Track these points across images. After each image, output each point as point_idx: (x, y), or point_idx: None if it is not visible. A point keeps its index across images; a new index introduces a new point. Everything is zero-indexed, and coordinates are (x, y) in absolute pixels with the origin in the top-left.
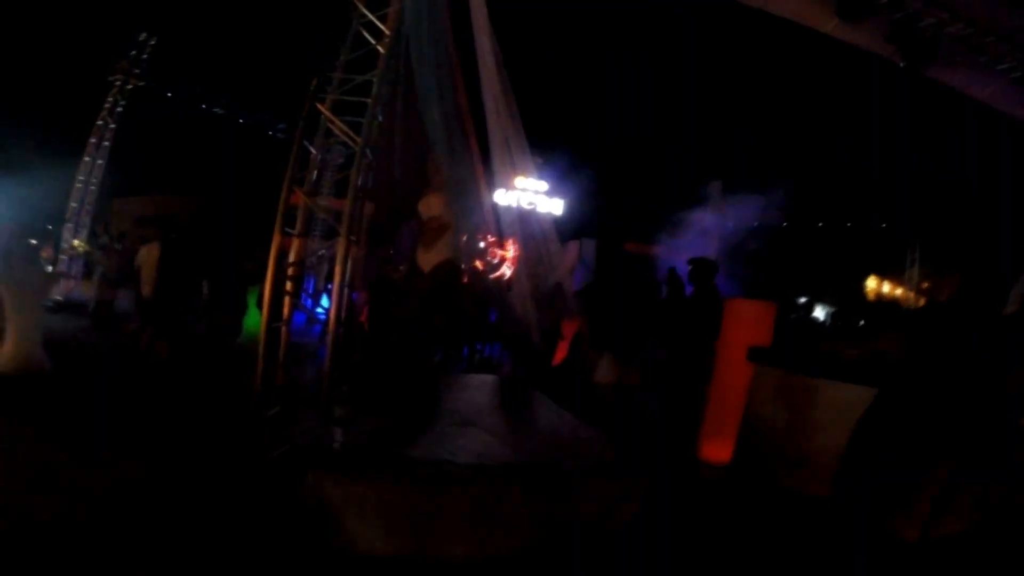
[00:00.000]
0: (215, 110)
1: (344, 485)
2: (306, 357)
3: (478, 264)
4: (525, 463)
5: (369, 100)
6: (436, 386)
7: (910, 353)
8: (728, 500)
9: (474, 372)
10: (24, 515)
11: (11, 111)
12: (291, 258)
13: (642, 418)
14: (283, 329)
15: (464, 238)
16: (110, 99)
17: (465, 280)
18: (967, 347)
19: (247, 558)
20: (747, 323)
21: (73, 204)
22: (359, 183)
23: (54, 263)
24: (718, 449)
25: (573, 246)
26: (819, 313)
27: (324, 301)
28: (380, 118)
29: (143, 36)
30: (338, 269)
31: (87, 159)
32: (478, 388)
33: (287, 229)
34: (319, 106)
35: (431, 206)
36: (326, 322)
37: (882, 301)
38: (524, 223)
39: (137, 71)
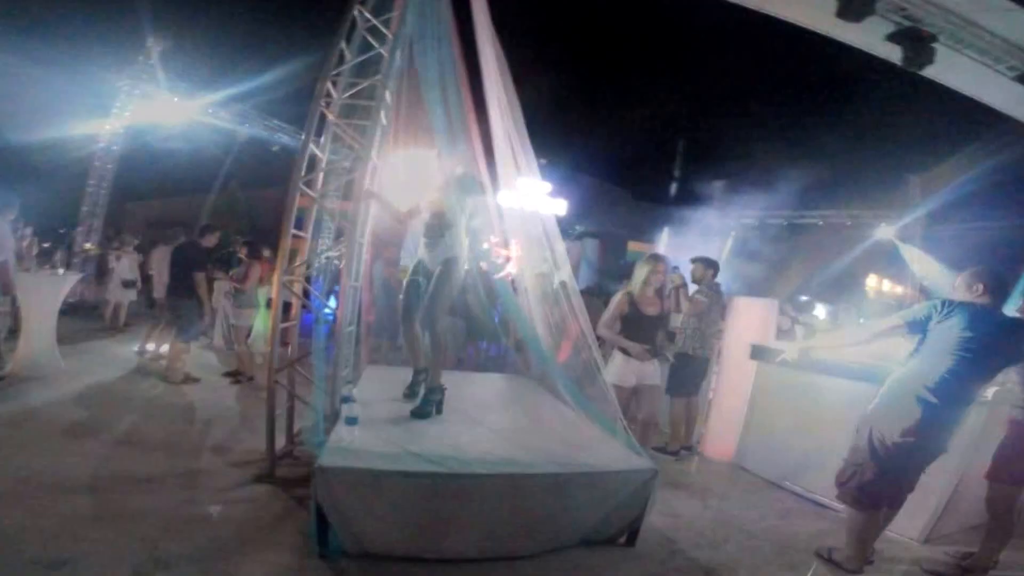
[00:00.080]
0: (223, 113)
1: (352, 483)
2: (314, 356)
3: (482, 265)
4: (533, 462)
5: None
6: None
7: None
8: (731, 497)
9: (481, 371)
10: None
11: (23, 116)
12: (300, 260)
13: (651, 418)
14: (292, 328)
15: (467, 241)
16: (119, 104)
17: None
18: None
19: (256, 556)
20: (750, 321)
21: (85, 208)
22: (365, 185)
23: (67, 266)
24: (720, 446)
25: (576, 246)
26: (820, 311)
27: (331, 301)
28: (385, 121)
29: (150, 41)
30: (346, 269)
31: (97, 163)
32: (485, 386)
33: (296, 231)
34: (325, 110)
35: (434, 204)
36: (333, 322)
37: (883, 299)
38: (528, 224)
39: (146, 76)
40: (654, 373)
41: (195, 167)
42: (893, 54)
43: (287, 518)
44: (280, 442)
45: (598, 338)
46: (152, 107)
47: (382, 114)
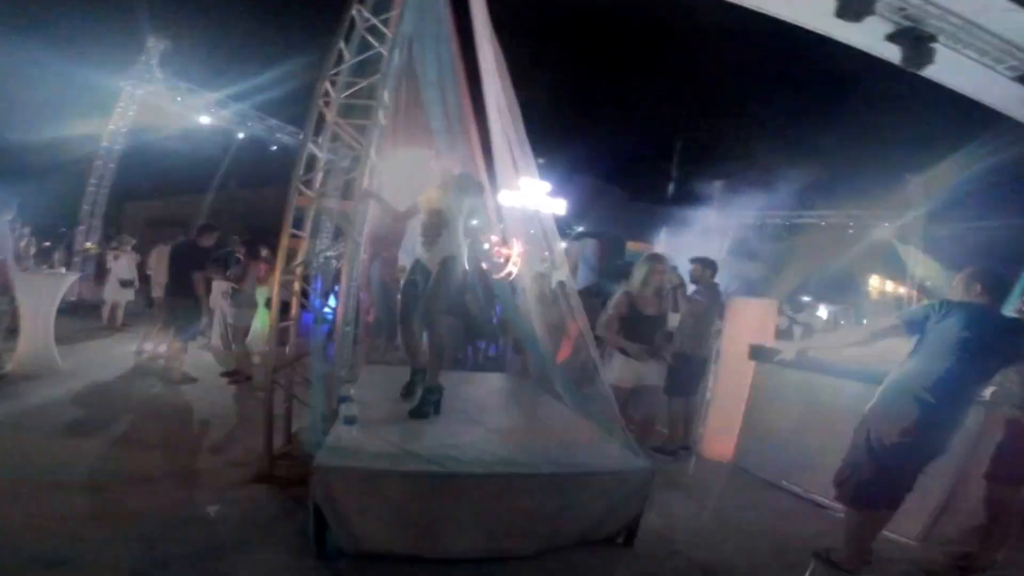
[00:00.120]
0: (223, 113)
1: (351, 483)
2: (312, 355)
3: (483, 265)
4: (531, 462)
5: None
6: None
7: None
8: (729, 497)
9: (480, 371)
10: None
11: (24, 115)
12: (299, 259)
13: (650, 418)
14: (291, 328)
15: (467, 240)
16: (121, 104)
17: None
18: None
19: (254, 556)
20: (749, 321)
21: (85, 207)
22: (364, 185)
23: (66, 265)
24: (719, 446)
25: (576, 245)
26: (822, 312)
27: (331, 301)
28: (384, 120)
29: (151, 42)
30: (345, 269)
31: (98, 163)
32: (484, 386)
33: (295, 230)
34: (324, 109)
35: (431, 202)
36: (333, 321)
37: (884, 299)
38: (527, 223)
39: (147, 76)
40: (653, 374)
41: (194, 167)
42: (892, 54)
43: (285, 518)
44: (278, 442)
45: (596, 338)
46: (152, 107)
47: (381, 113)
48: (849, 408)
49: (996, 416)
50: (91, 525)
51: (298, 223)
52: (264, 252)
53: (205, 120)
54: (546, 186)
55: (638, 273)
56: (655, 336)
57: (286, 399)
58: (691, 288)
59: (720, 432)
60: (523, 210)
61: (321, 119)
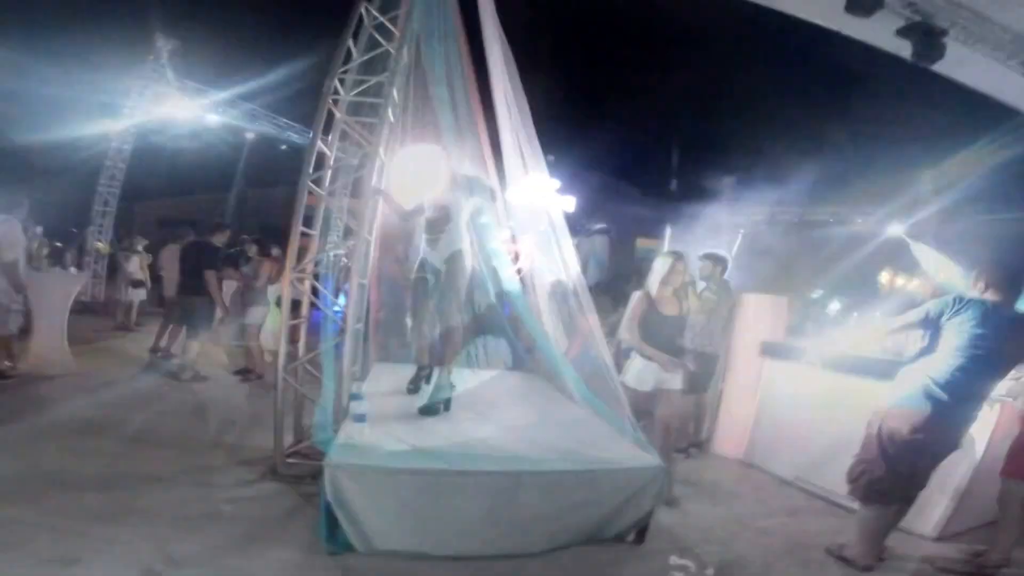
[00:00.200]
0: (232, 112)
1: (361, 480)
2: (322, 353)
3: (493, 262)
4: (542, 459)
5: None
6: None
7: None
8: (741, 494)
9: (489, 368)
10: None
11: (34, 116)
12: (309, 257)
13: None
14: (300, 326)
15: (475, 237)
16: (130, 103)
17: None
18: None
19: (265, 554)
20: (760, 317)
21: (96, 207)
22: (373, 183)
23: (79, 265)
24: (730, 443)
25: (585, 242)
26: (834, 308)
27: (341, 299)
28: (392, 118)
29: (160, 41)
30: (355, 267)
31: (108, 163)
32: (494, 383)
33: (305, 229)
34: (333, 107)
35: (436, 200)
36: (343, 319)
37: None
38: (536, 220)
39: (156, 75)
40: (675, 377)
41: (204, 166)
42: (903, 49)
43: (296, 515)
44: (289, 439)
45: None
46: (162, 107)
47: (390, 111)
48: (861, 404)
49: (1011, 411)
50: (104, 524)
51: (308, 221)
52: (275, 251)
53: (214, 119)
54: (556, 183)
55: (656, 272)
56: (677, 337)
57: (297, 397)
58: (701, 285)
59: (731, 429)
60: (532, 207)
61: (330, 117)
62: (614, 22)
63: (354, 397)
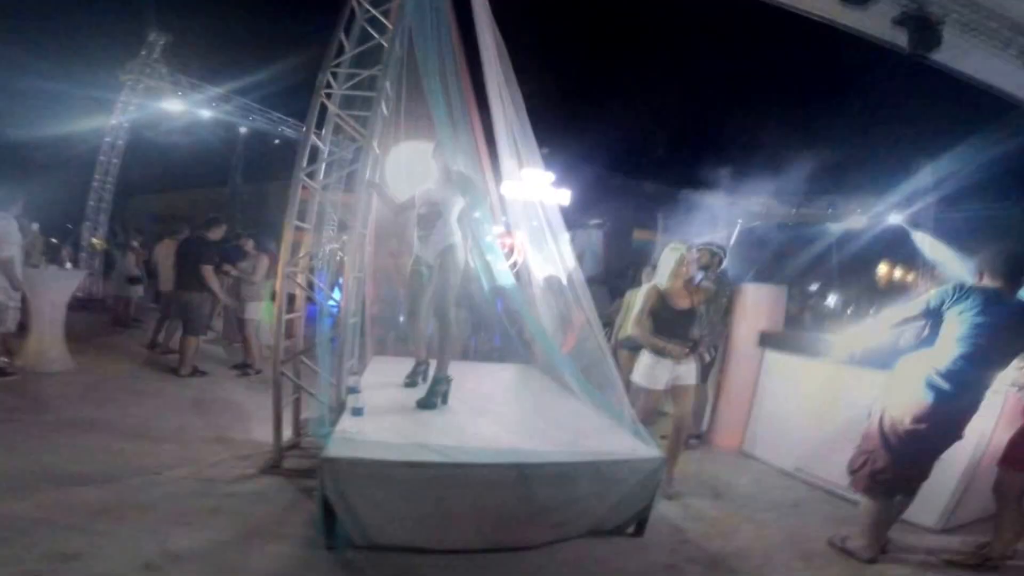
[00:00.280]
0: (226, 107)
1: (359, 474)
2: (318, 347)
3: (488, 256)
4: (540, 452)
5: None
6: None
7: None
8: (741, 486)
9: (486, 361)
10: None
11: (27, 112)
12: (303, 251)
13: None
14: (296, 320)
15: (468, 231)
16: (123, 98)
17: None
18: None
19: (264, 548)
20: (757, 308)
21: (91, 203)
22: (367, 176)
23: (74, 261)
24: (729, 435)
25: (581, 235)
26: (832, 300)
27: (336, 294)
28: (386, 111)
29: (153, 36)
30: (349, 261)
31: (102, 158)
32: (491, 376)
33: (299, 222)
34: (326, 101)
35: (427, 195)
36: (338, 314)
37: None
38: (531, 214)
39: (149, 70)
40: (690, 372)
41: (198, 161)
42: (900, 39)
43: (294, 509)
44: (287, 434)
45: (607, 329)
46: (155, 101)
47: (383, 104)
48: (862, 394)
49: (1015, 401)
50: (103, 519)
51: (303, 216)
52: (270, 245)
53: (207, 114)
54: (550, 176)
55: (665, 265)
56: (690, 332)
57: (294, 391)
58: (699, 276)
59: (731, 420)
60: (526, 201)
61: (323, 111)
62: (609, 13)
63: (351, 391)
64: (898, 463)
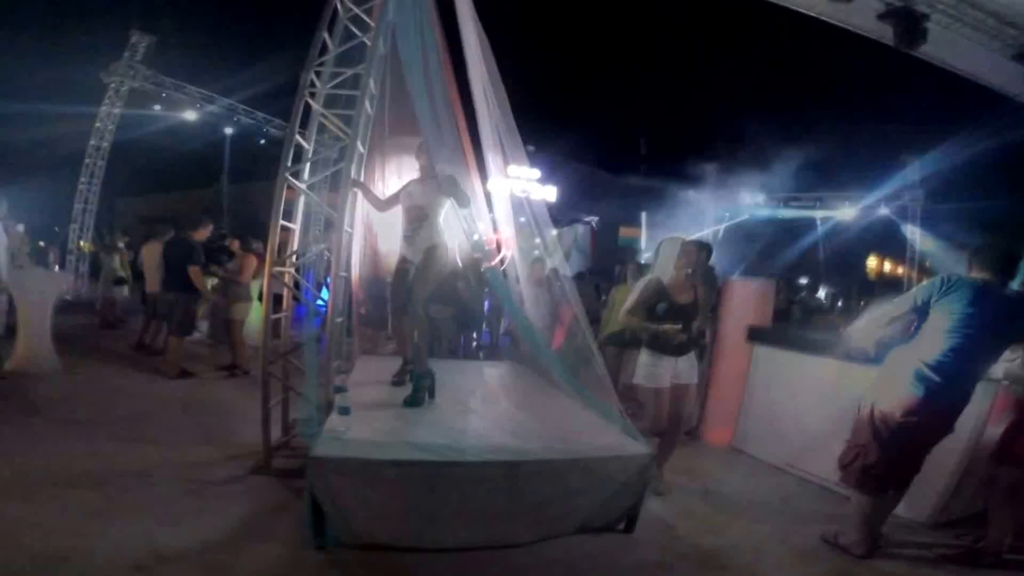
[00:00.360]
0: (210, 108)
1: (347, 473)
2: (305, 347)
3: (475, 254)
4: (528, 449)
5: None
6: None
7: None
8: (732, 482)
9: (473, 359)
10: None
11: (14, 116)
12: (289, 251)
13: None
14: (283, 320)
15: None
16: (107, 100)
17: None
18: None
19: (254, 548)
20: (745, 303)
21: (77, 205)
22: (352, 175)
23: (61, 263)
24: (719, 430)
25: (567, 231)
26: (821, 294)
27: (324, 293)
28: (370, 110)
29: (135, 37)
30: (335, 260)
31: (88, 161)
32: (478, 375)
33: (284, 222)
34: (310, 100)
35: (412, 197)
36: (326, 313)
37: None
38: (517, 211)
39: (132, 72)
40: (691, 370)
41: (184, 163)
42: (885, 34)
43: (284, 509)
44: (275, 434)
45: (594, 323)
46: (139, 103)
47: (367, 103)
48: (852, 388)
49: (1006, 395)
50: (93, 520)
51: (288, 216)
52: (257, 245)
53: (192, 115)
54: (536, 173)
55: (665, 258)
56: (692, 325)
57: (282, 391)
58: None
59: (721, 416)
60: (513, 198)
61: (307, 110)
62: (593, 10)
63: (339, 390)
64: (889, 457)
